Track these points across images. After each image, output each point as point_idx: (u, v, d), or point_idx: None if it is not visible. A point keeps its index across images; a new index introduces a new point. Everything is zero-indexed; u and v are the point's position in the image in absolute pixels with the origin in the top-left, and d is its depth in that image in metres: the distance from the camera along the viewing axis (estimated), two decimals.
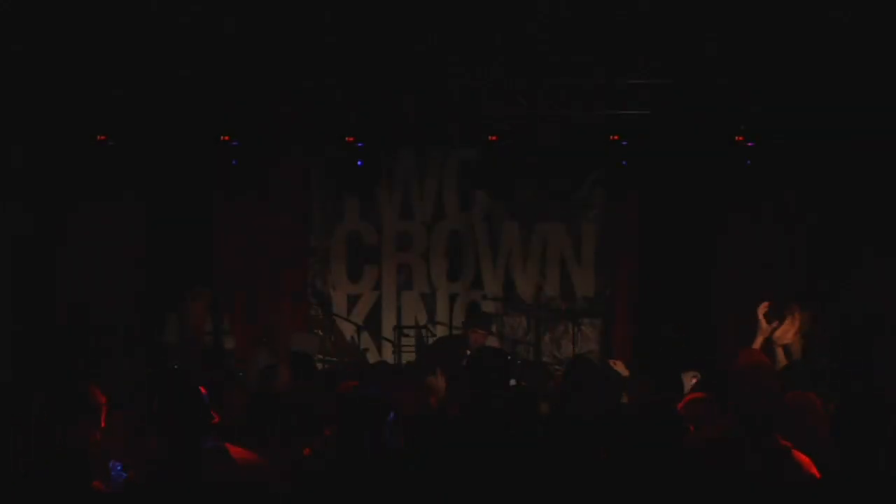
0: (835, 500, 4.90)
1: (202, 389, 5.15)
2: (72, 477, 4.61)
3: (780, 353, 8.20)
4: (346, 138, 10.85)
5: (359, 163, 11.13)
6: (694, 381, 7.58)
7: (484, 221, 12.08)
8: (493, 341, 10.93)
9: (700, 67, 9.93)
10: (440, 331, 11.82)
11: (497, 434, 5.57)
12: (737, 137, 10.63)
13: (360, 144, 10.86)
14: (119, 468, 5.31)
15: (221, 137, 10.67)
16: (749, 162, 10.81)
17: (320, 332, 11.70)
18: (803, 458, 5.33)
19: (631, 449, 5.14)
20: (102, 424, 5.46)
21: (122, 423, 5.69)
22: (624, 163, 11.17)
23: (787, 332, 8.24)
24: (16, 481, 4.67)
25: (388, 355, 11.65)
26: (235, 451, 5.13)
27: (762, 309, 8.28)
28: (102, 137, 10.52)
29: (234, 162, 10.92)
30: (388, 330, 11.83)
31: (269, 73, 10.02)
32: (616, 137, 10.88)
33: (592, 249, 12.11)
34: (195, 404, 5.04)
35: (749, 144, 10.64)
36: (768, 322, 8.23)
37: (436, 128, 11.02)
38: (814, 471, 5.27)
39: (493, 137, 10.99)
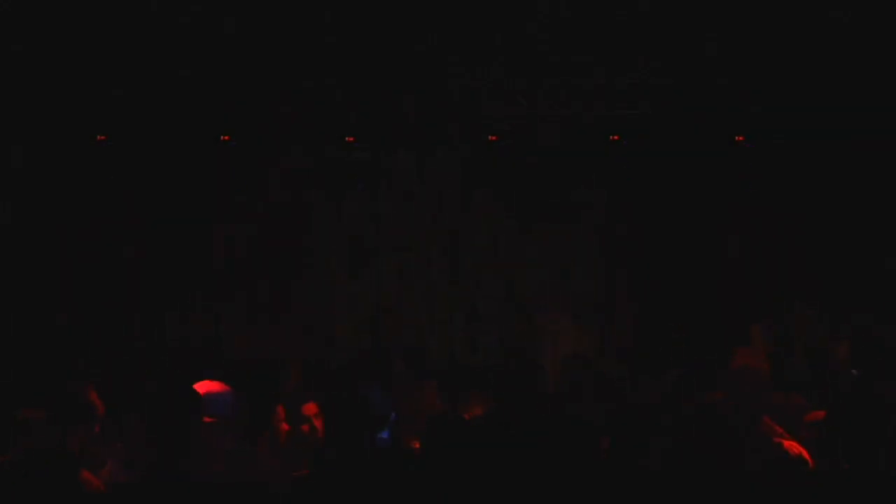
0: (835, 501, 4.90)
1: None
2: (67, 477, 4.60)
3: None
4: (346, 138, 10.86)
5: (359, 186, 11.19)
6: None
7: (484, 221, 12.06)
8: None
9: (700, 67, 9.93)
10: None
11: (497, 434, 5.57)
12: (737, 137, 10.63)
13: (357, 144, 10.89)
14: None
15: (221, 137, 10.67)
16: (749, 183, 10.87)
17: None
18: (795, 447, 5.39)
19: (631, 449, 5.14)
20: (97, 429, 5.47)
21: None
22: (627, 180, 11.21)
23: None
24: (15, 481, 4.67)
25: None
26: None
27: (755, 330, 8.27)
28: (102, 137, 10.52)
29: (233, 175, 10.97)
30: None
31: (269, 73, 10.02)
32: (616, 137, 10.88)
33: (592, 249, 12.09)
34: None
35: (748, 146, 10.65)
36: (763, 339, 8.23)
37: (436, 128, 11.01)
38: (806, 457, 5.34)
39: (493, 137, 10.99)
